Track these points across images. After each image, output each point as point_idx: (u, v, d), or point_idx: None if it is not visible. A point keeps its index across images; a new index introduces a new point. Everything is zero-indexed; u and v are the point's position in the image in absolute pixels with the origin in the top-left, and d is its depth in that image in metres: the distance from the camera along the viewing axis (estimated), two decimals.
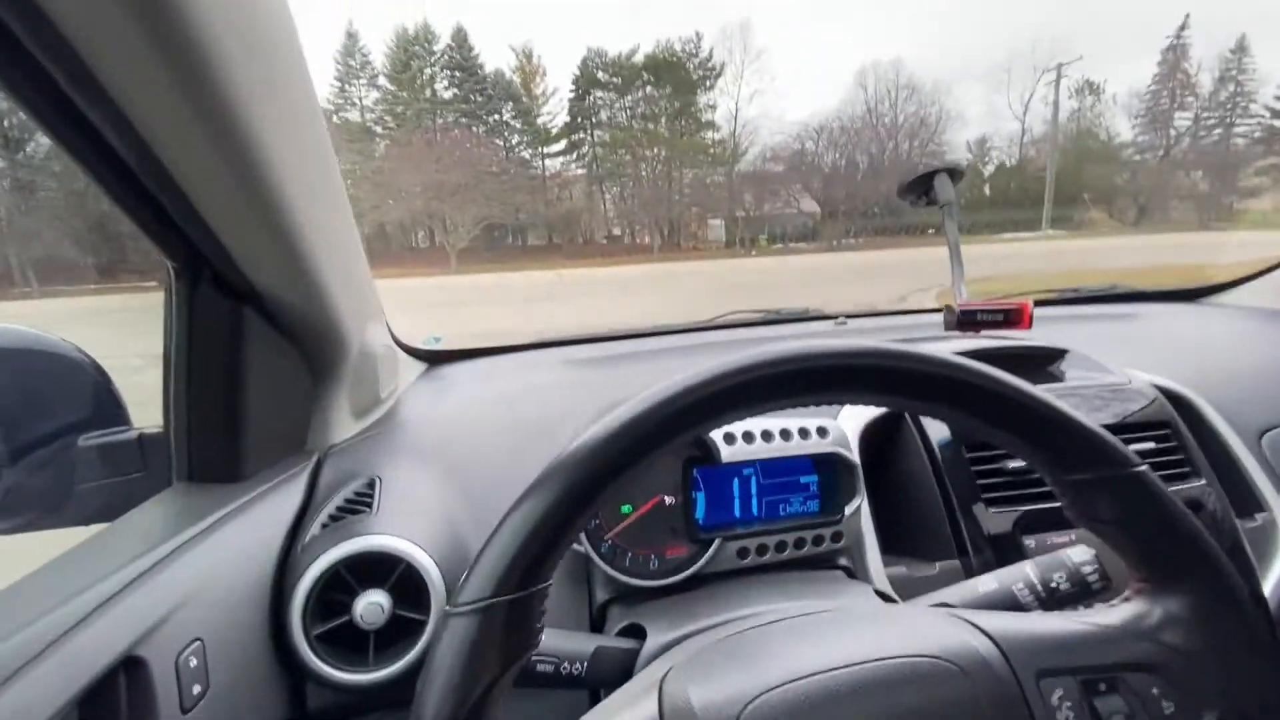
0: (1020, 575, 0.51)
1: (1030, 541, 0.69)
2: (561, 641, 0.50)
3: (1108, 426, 0.74)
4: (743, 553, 0.65)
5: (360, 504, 0.64)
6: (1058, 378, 0.82)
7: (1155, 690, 0.30)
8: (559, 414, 0.80)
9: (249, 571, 0.57)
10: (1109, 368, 0.82)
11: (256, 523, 0.60)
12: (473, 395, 0.93)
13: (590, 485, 0.33)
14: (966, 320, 0.67)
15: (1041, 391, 0.34)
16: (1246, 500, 0.79)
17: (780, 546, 0.66)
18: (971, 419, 0.35)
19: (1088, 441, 0.34)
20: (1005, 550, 0.69)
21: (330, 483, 0.68)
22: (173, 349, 0.59)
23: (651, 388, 0.34)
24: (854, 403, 0.36)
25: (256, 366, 0.62)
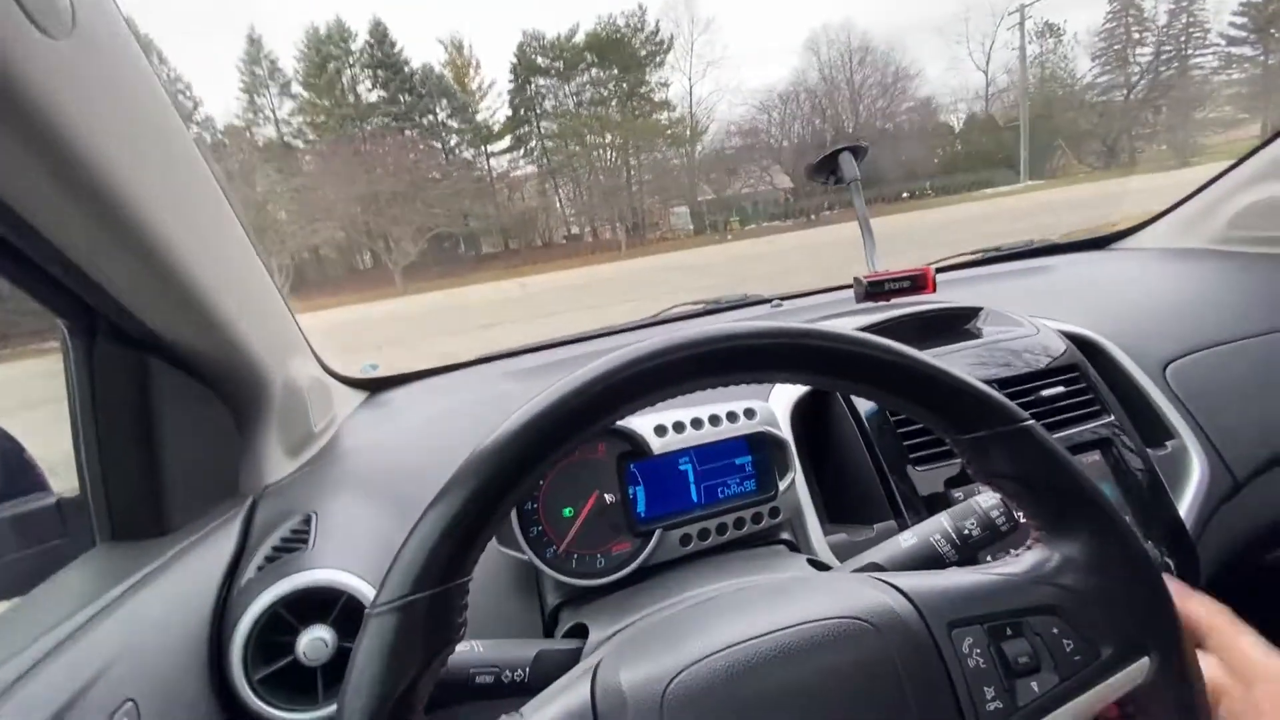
0: (937, 527, 0.53)
1: (960, 494, 0.72)
2: (501, 651, 0.50)
3: (1019, 376, 0.79)
4: (685, 540, 0.66)
5: (296, 541, 0.63)
6: (974, 335, 0.86)
7: (1056, 630, 0.32)
8: (493, 426, 0.80)
9: (183, 624, 0.56)
10: (1020, 320, 0.87)
11: (188, 573, 0.59)
12: (414, 418, 0.93)
13: (505, 479, 0.34)
14: (875, 291, 0.70)
15: (929, 357, 0.36)
16: (1156, 430, 0.84)
17: (721, 529, 0.67)
18: (868, 388, 0.36)
19: (977, 401, 0.35)
20: (938, 507, 0.72)
21: (266, 523, 0.67)
22: (78, 408, 0.57)
23: (561, 380, 0.35)
24: (761, 381, 0.37)
25: (171, 415, 0.61)
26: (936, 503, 0.73)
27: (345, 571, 0.59)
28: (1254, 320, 0.96)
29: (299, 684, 0.57)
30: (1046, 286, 1.15)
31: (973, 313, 0.87)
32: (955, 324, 0.86)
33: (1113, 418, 0.78)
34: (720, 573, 0.62)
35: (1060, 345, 0.83)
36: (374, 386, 1.06)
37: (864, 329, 0.82)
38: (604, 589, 0.64)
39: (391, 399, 1.01)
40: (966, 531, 0.52)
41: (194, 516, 0.64)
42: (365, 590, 0.59)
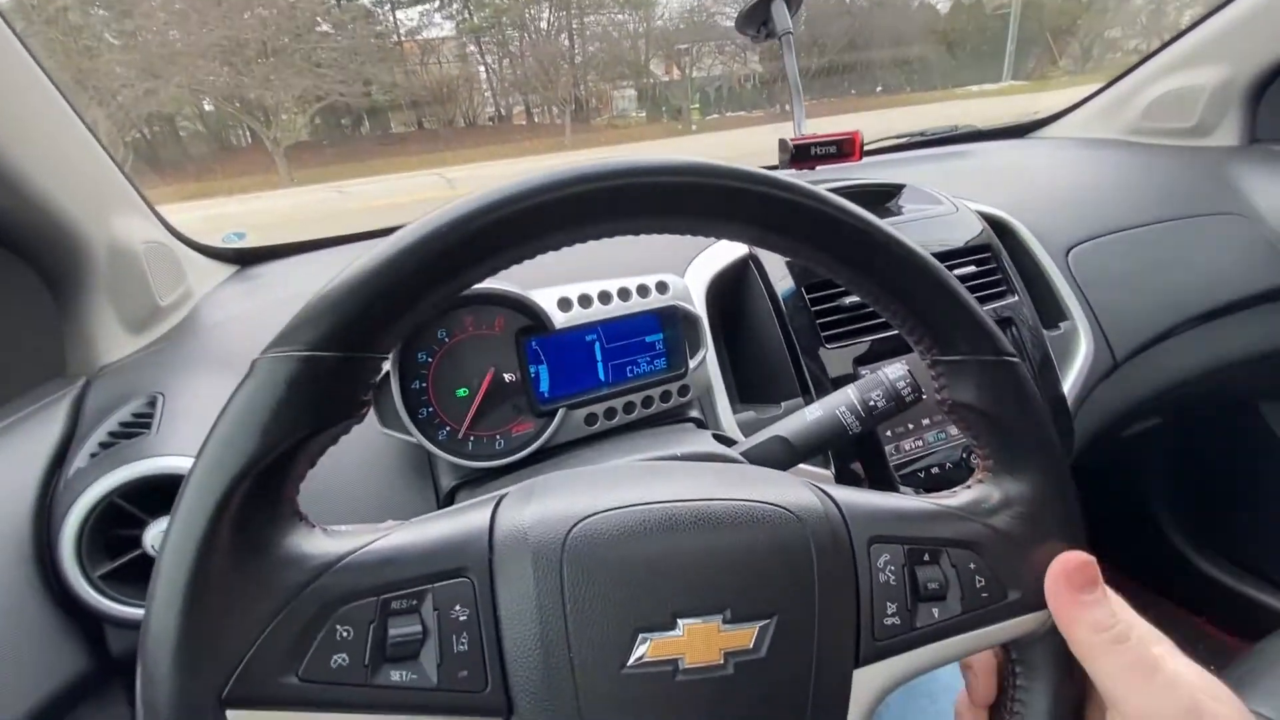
0: (843, 399, 0.52)
1: (865, 371, 0.72)
2: None
3: (937, 254, 0.77)
4: (590, 419, 0.63)
5: (137, 426, 0.55)
6: (894, 211, 0.83)
7: (973, 566, 0.32)
8: None
9: None
10: (940, 199, 0.85)
11: (2, 461, 0.50)
12: (289, 292, 0.82)
13: (453, 259, 0.27)
14: (801, 155, 0.64)
15: (947, 270, 0.32)
16: (1052, 311, 0.86)
17: (629, 408, 0.64)
18: (870, 283, 0.32)
19: (974, 324, 0.32)
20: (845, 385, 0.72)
21: (100, 407, 0.57)
22: None
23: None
24: (737, 239, 0.31)
25: None
26: (843, 381, 0.73)
27: (189, 457, 0.52)
28: (1150, 209, 0.99)
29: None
30: (966, 169, 1.14)
31: (896, 189, 0.84)
32: (878, 199, 0.82)
33: (1017, 298, 0.79)
34: (627, 449, 0.60)
35: (976, 225, 0.82)
36: (242, 259, 0.93)
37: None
38: (503, 470, 0.60)
39: (263, 272, 0.89)
40: (872, 403, 0.51)
41: (10, 398, 0.54)
42: None
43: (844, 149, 0.65)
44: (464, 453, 0.59)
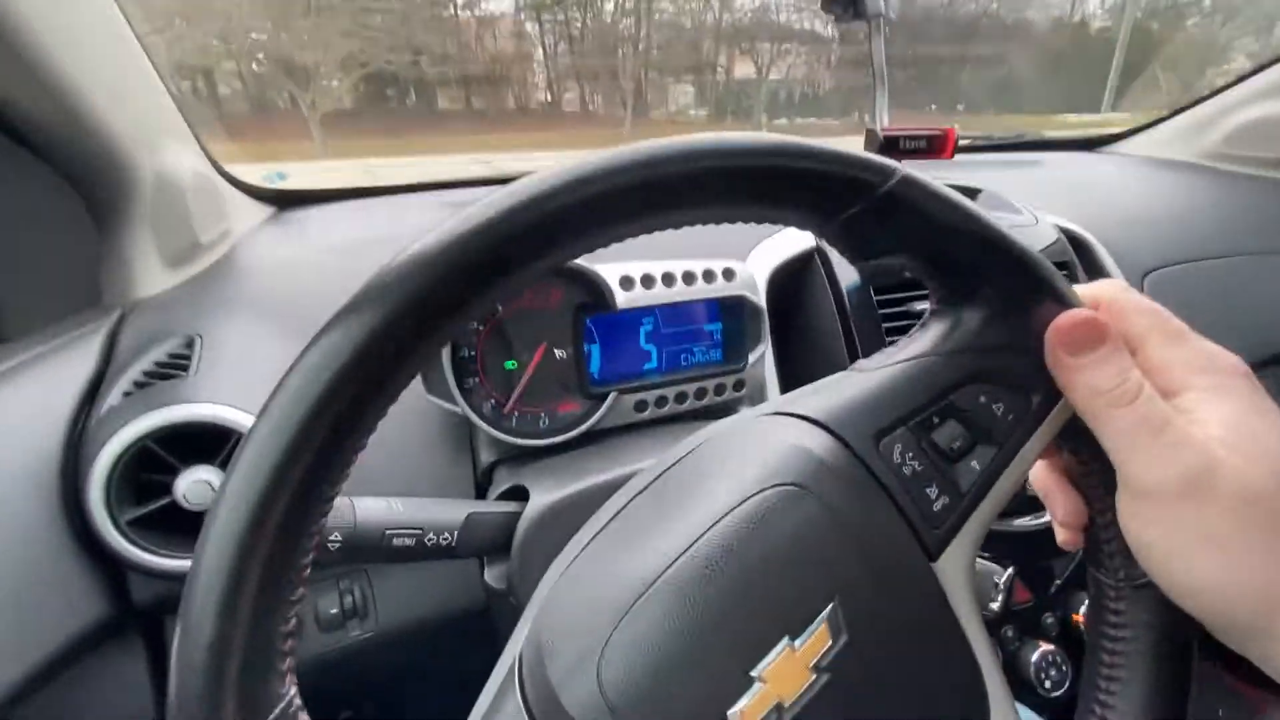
0: None
1: None
2: (425, 511, 0.43)
3: None
4: (640, 406, 0.60)
5: (175, 367, 0.52)
6: None
7: (983, 398, 0.28)
8: None
9: (25, 452, 0.45)
10: (1019, 208, 0.80)
11: (32, 391, 0.48)
12: (331, 240, 0.78)
13: (443, 300, 0.22)
14: (890, 146, 0.60)
15: (774, 137, 0.25)
16: None
17: (680, 398, 0.61)
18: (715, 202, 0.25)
19: (839, 171, 0.26)
20: None
21: (135, 343, 0.55)
22: None
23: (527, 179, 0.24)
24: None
25: (11, 204, 0.46)
26: None
27: (234, 408, 0.49)
28: (1233, 240, 0.94)
29: (181, 527, 0.49)
30: (1037, 179, 1.09)
31: (973, 193, 0.79)
32: None
33: None
34: (673, 444, 0.57)
35: (1053, 237, 0.78)
36: (282, 201, 0.89)
37: None
38: (546, 450, 0.57)
39: (303, 217, 0.86)
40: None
41: (36, 325, 0.52)
42: None
43: (935, 144, 0.61)
44: (507, 428, 0.57)
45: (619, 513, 0.31)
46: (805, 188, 0.25)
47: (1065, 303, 0.27)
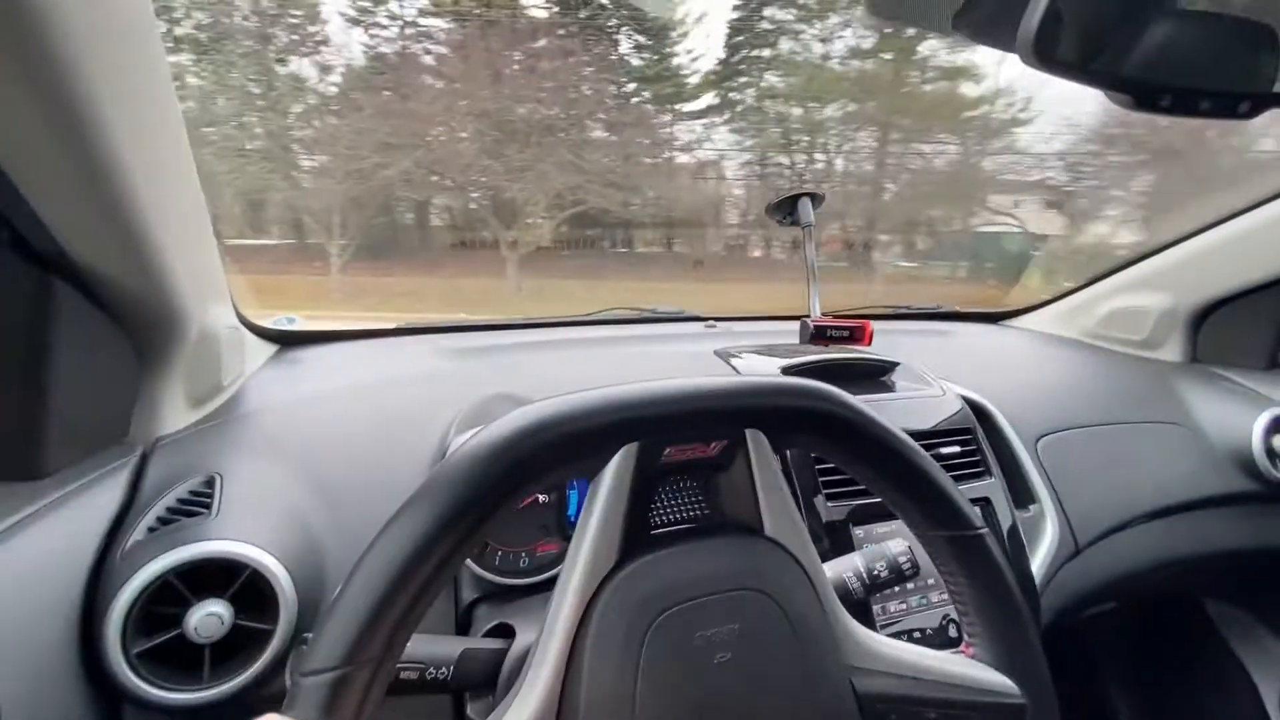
0: (850, 565, 0.58)
1: (859, 531, 0.79)
2: (425, 646, 0.49)
3: (924, 432, 0.87)
4: None
5: (196, 505, 0.58)
6: (889, 387, 0.93)
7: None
8: (428, 406, 0.77)
9: (51, 584, 0.50)
10: (930, 380, 0.95)
11: (60, 527, 0.52)
12: (332, 383, 0.87)
13: (487, 499, 0.32)
14: (819, 335, 0.74)
15: (935, 464, 0.43)
16: (1023, 494, 0.95)
17: None
18: (874, 474, 0.43)
19: (951, 505, 0.43)
20: (839, 537, 0.78)
21: (159, 480, 0.61)
22: None
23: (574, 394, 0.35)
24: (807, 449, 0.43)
25: (67, 346, 0.54)
26: (837, 532, 0.79)
27: (252, 545, 0.55)
28: (1108, 409, 1.12)
29: (181, 660, 0.52)
30: (948, 349, 1.27)
31: (892, 366, 0.94)
32: (876, 374, 0.93)
33: (993, 479, 0.88)
34: None
35: (958, 407, 0.93)
36: (286, 340, 0.98)
37: (797, 367, 0.88)
38: (526, 589, 0.63)
39: (306, 358, 0.95)
40: (876, 572, 0.57)
41: (71, 461, 0.57)
42: (273, 566, 0.55)
43: (855, 335, 0.75)
44: (490, 566, 0.63)
45: None
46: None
47: None
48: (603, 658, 0.36)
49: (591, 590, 0.37)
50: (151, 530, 0.55)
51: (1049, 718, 0.43)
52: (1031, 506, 0.94)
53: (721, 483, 0.43)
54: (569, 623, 0.37)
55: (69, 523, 0.53)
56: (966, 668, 0.44)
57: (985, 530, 0.42)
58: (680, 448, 0.39)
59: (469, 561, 0.62)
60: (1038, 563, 0.89)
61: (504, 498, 0.32)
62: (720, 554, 0.40)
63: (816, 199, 0.95)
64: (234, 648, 0.54)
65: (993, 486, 0.88)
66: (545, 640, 0.37)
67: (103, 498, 0.57)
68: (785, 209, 0.94)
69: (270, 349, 0.95)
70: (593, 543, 0.37)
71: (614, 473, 0.37)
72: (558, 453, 0.34)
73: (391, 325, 1.12)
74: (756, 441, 0.41)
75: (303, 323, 1.02)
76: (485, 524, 0.32)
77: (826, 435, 0.41)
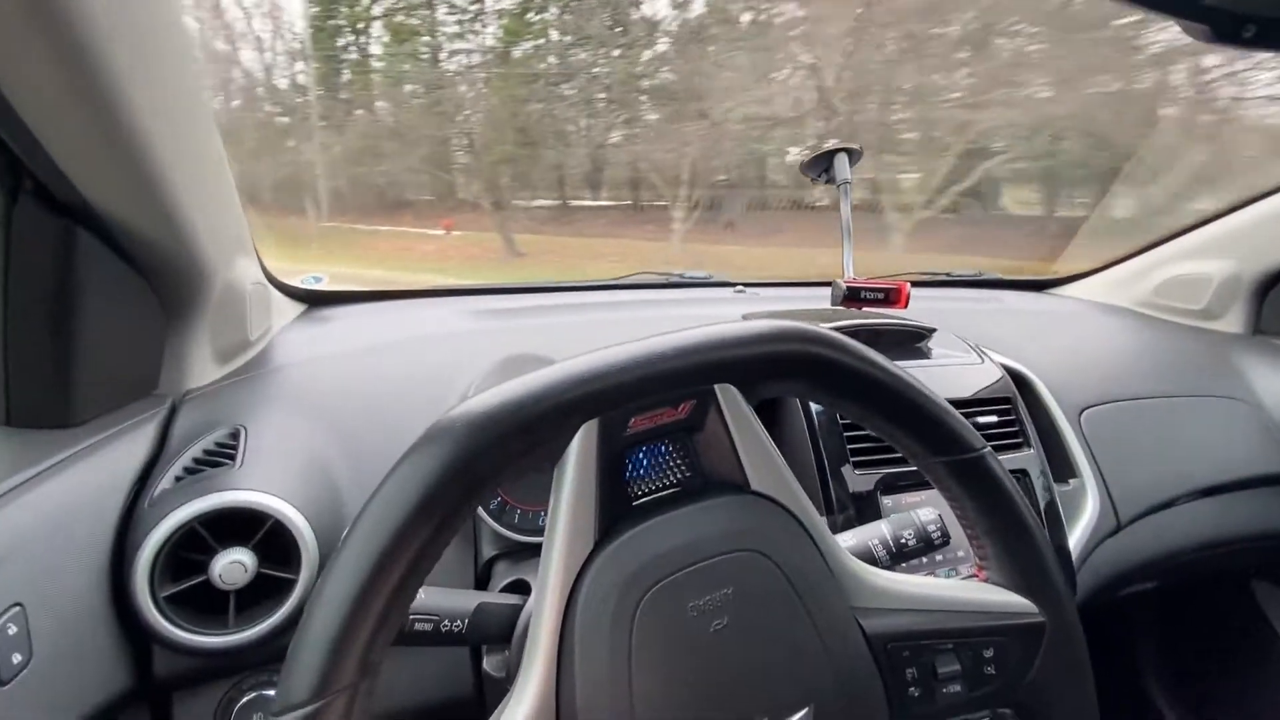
0: (876, 533, 0.56)
1: (888, 501, 0.76)
2: (442, 599, 0.49)
3: (960, 400, 0.83)
4: None
5: (222, 455, 0.59)
6: (925, 354, 0.90)
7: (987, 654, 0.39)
8: (453, 365, 0.77)
9: (83, 528, 0.51)
10: (968, 347, 0.91)
11: (92, 474, 0.54)
12: (358, 341, 0.87)
13: (488, 462, 0.31)
14: (851, 296, 0.71)
15: (925, 387, 0.40)
16: (1064, 467, 0.91)
17: None
18: (860, 409, 0.40)
19: (948, 428, 0.40)
20: (865, 508, 0.76)
21: (186, 431, 0.62)
22: None
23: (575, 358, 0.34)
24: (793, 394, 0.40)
25: (92, 296, 0.54)
26: (864, 503, 0.76)
27: (274, 496, 0.56)
28: (1161, 382, 1.06)
29: (207, 605, 0.54)
30: (990, 316, 1.22)
31: (929, 332, 0.91)
32: (912, 339, 0.89)
33: (1032, 451, 0.84)
34: None
35: (998, 375, 0.89)
36: (313, 300, 0.99)
37: (836, 329, 0.85)
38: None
39: (333, 316, 0.95)
40: (904, 540, 0.55)
41: (103, 411, 0.59)
42: (295, 518, 0.55)
43: (890, 297, 0.72)
44: (510, 524, 0.63)
45: None
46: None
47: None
48: (591, 650, 0.34)
49: (570, 583, 0.35)
50: (179, 479, 0.56)
51: (1069, 633, 0.40)
52: (1071, 480, 0.90)
53: (699, 442, 0.40)
54: (552, 622, 0.34)
55: (100, 470, 0.55)
56: (980, 593, 0.42)
57: (987, 449, 0.39)
58: (646, 415, 0.36)
59: (488, 519, 0.62)
60: (1074, 538, 0.86)
61: (453, 515, 0.30)
62: (704, 517, 0.38)
63: (854, 154, 0.91)
64: (259, 595, 0.55)
65: (1030, 458, 0.84)
66: (530, 646, 0.34)
67: (133, 447, 0.58)
68: (821, 164, 0.89)
69: (298, 308, 0.96)
70: (564, 533, 0.35)
71: (577, 454, 0.34)
72: (506, 451, 0.31)
73: (420, 288, 1.12)
74: (727, 395, 0.37)
75: (330, 283, 1.03)
76: (443, 535, 0.30)
77: (799, 378, 0.38)
